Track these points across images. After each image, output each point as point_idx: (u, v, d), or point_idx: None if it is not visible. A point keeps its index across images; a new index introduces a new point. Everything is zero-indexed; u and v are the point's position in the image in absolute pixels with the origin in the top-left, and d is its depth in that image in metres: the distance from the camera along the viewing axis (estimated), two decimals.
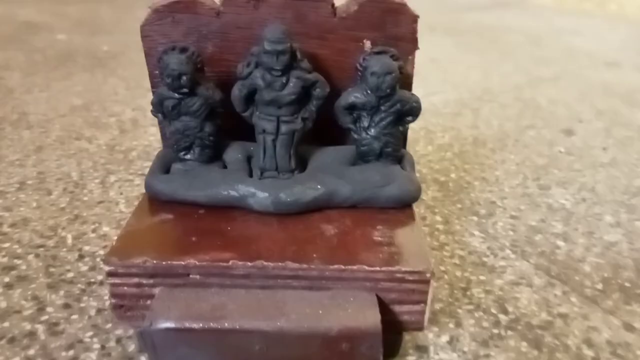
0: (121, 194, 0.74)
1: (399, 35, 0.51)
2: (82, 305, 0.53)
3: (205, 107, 0.49)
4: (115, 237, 0.46)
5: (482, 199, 0.77)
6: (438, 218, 0.71)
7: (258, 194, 0.48)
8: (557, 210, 0.74)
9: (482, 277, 0.59)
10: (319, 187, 0.49)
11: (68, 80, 1.20)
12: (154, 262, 0.43)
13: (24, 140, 0.90)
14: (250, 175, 0.50)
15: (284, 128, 0.49)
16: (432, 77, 1.31)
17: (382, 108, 0.49)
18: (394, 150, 0.51)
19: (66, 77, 1.22)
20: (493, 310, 0.54)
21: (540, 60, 1.48)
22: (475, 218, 0.72)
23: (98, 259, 0.60)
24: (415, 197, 0.50)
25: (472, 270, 0.61)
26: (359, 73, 0.49)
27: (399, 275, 0.42)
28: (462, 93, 1.21)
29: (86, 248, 0.62)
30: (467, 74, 1.35)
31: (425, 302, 0.43)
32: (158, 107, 0.50)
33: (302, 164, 0.52)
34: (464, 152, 0.92)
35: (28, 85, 1.18)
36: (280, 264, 0.43)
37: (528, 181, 0.82)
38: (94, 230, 0.65)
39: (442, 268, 0.61)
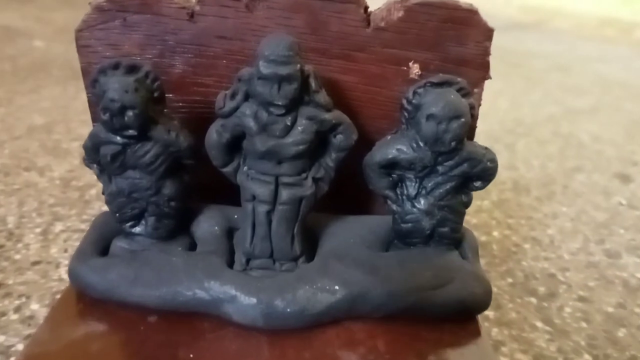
0: (65, 251, 0.56)
1: (464, 57, 0.34)
2: None
3: (164, 158, 0.32)
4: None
5: (538, 270, 0.60)
6: None
7: (240, 299, 0.31)
8: (636, 290, 0.57)
9: None
10: (336, 287, 0.31)
11: (35, 94, 1.03)
12: None
13: None
14: (231, 265, 0.33)
15: (285, 194, 0.32)
16: None
17: (440, 169, 0.31)
18: (453, 231, 0.34)
19: (34, 90, 1.05)
20: None
21: (571, 89, 1.33)
22: (533, 300, 0.55)
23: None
24: (483, 304, 0.33)
25: None
26: (405, 114, 0.32)
27: None
28: (492, 124, 1.05)
29: (0, 339, 0.44)
30: (494, 102, 1.19)
31: None
32: (92, 154, 0.32)
33: (310, 246, 0.34)
34: (504, 200, 0.75)
35: None
36: None
37: (590, 245, 0.65)
38: (17, 309, 0.48)
39: None
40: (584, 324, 0.52)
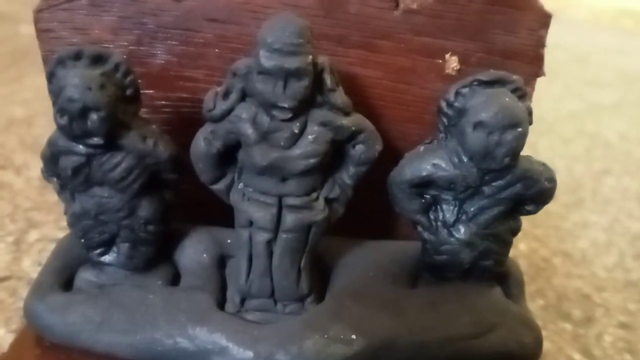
0: (40, 264, 0.49)
1: (513, 48, 0.28)
2: None
3: (138, 173, 0.25)
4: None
5: (571, 289, 0.53)
6: None
7: (233, 351, 0.25)
8: None
9: None
10: (353, 336, 0.25)
11: (17, 84, 0.96)
12: None
13: None
14: (222, 304, 0.27)
15: (290, 220, 0.25)
16: None
17: (486, 190, 0.25)
18: (497, 264, 0.27)
19: (15, 79, 0.99)
20: None
21: (592, 83, 1.26)
22: (568, 326, 0.48)
23: None
24: (533, 356, 0.27)
25: None
26: (444, 120, 0.25)
27: None
28: None
29: None
30: None
31: None
32: (51, 166, 0.26)
33: (319, 281, 0.28)
34: None
35: None
36: None
37: (627, 259, 0.59)
38: None
39: None
40: (628, 356, 0.46)
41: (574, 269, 0.57)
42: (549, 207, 0.77)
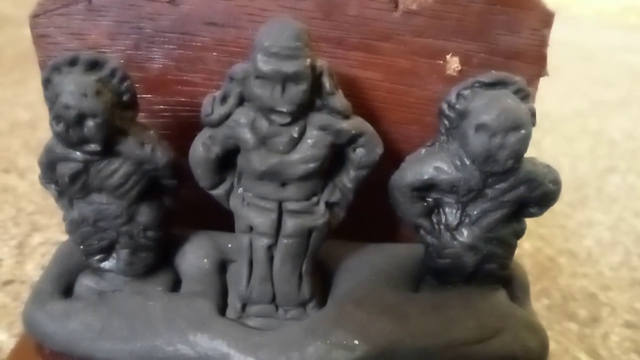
0: (43, 268, 0.49)
1: (516, 48, 0.27)
2: None
3: (136, 179, 0.25)
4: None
5: (576, 288, 0.53)
6: None
7: (234, 358, 0.24)
8: None
9: None
10: (355, 342, 0.25)
11: (21, 87, 0.97)
12: None
13: None
14: (223, 310, 0.26)
15: (290, 225, 0.25)
16: None
17: (489, 193, 0.25)
18: (501, 267, 0.27)
19: (20, 82, 0.99)
20: None
21: (597, 81, 1.25)
22: (574, 326, 0.48)
23: None
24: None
25: None
26: (446, 122, 0.25)
27: None
28: None
29: None
30: None
31: None
32: (48, 172, 0.26)
33: (321, 286, 0.28)
34: None
35: None
36: None
37: (633, 258, 0.58)
38: None
39: None
40: (635, 357, 0.45)
41: (579, 268, 0.57)
42: (554, 206, 0.76)
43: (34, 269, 0.50)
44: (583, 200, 0.71)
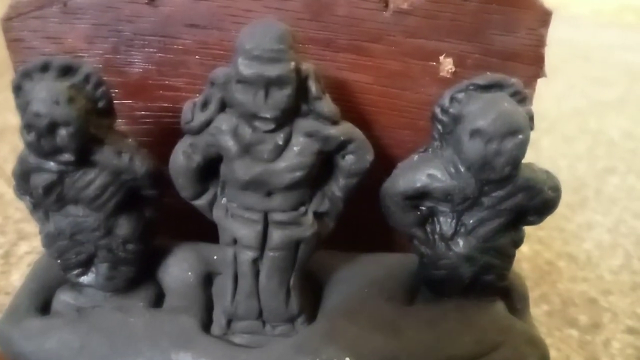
0: None
1: (512, 48, 0.26)
2: None
3: (114, 190, 0.24)
4: None
5: (576, 293, 0.52)
6: None
7: None
8: None
9: None
10: (347, 359, 0.23)
11: (10, 91, 0.95)
12: None
13: None
14: (208, 326, 0.25)
15: (277, 237, 0.24)
16: None
17: (486, 201, 0.23)
18: (499, 279, 0.26)
19: (9, 86, 0.97)
20: None
21: (596, 80, 1.24)
22: (574, 332, 0.47)
23: None
24: None
25: None
26: (439, 127, 0.24)
27: None
28: None
29: None
30: None
31: None
32: (22, 183, 0.24)
33: (310, 299, 0.26)
34: None
35: None
36: None
37: (634, 261, 0.57)
38: None
39: None
40: None
41: (579, 272, 0.55)
42: None
43: (19, 280, 0.48)
44: (582, 201, 0.70)
